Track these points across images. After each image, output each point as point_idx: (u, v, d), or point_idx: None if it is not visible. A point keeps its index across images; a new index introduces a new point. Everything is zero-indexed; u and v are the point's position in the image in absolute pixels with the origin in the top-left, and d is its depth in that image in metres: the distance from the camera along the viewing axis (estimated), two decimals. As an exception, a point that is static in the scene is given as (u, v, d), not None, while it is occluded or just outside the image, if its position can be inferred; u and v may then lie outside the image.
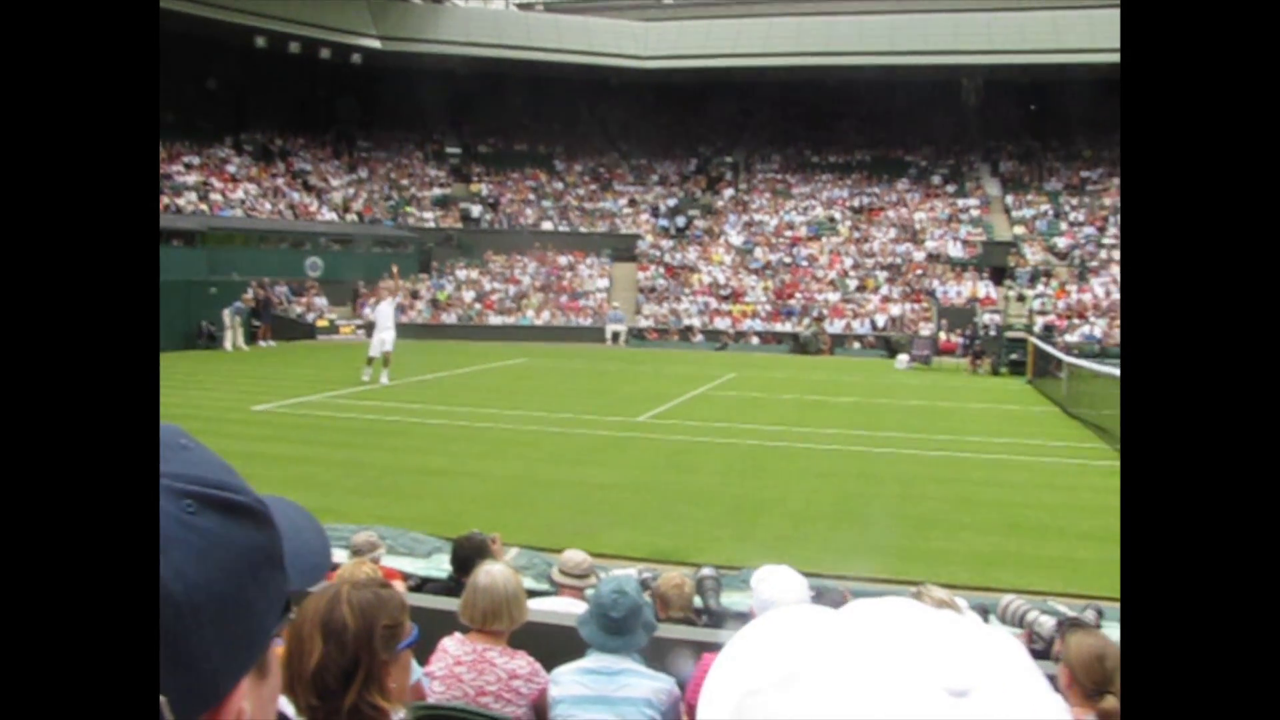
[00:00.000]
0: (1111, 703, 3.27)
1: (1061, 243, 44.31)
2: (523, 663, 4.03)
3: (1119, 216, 45.62)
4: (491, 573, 4.17)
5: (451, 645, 4.06)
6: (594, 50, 47.79)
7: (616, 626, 3.95)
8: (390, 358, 22.62)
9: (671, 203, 49.10)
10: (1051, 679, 3.37)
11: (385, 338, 22.59)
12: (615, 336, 38.84)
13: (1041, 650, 4.90)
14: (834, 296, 41.63)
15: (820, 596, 5.26)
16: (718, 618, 5.95)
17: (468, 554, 5.78)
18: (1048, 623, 5.07)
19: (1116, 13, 44.97)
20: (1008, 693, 0.71)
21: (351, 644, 2.16)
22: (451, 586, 5.92)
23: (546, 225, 47.05)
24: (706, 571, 6.41)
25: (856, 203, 48.52)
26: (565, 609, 5.23)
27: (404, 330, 25.60)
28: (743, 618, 5.29)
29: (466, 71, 47.91)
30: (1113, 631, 4.58)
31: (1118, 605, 6.78)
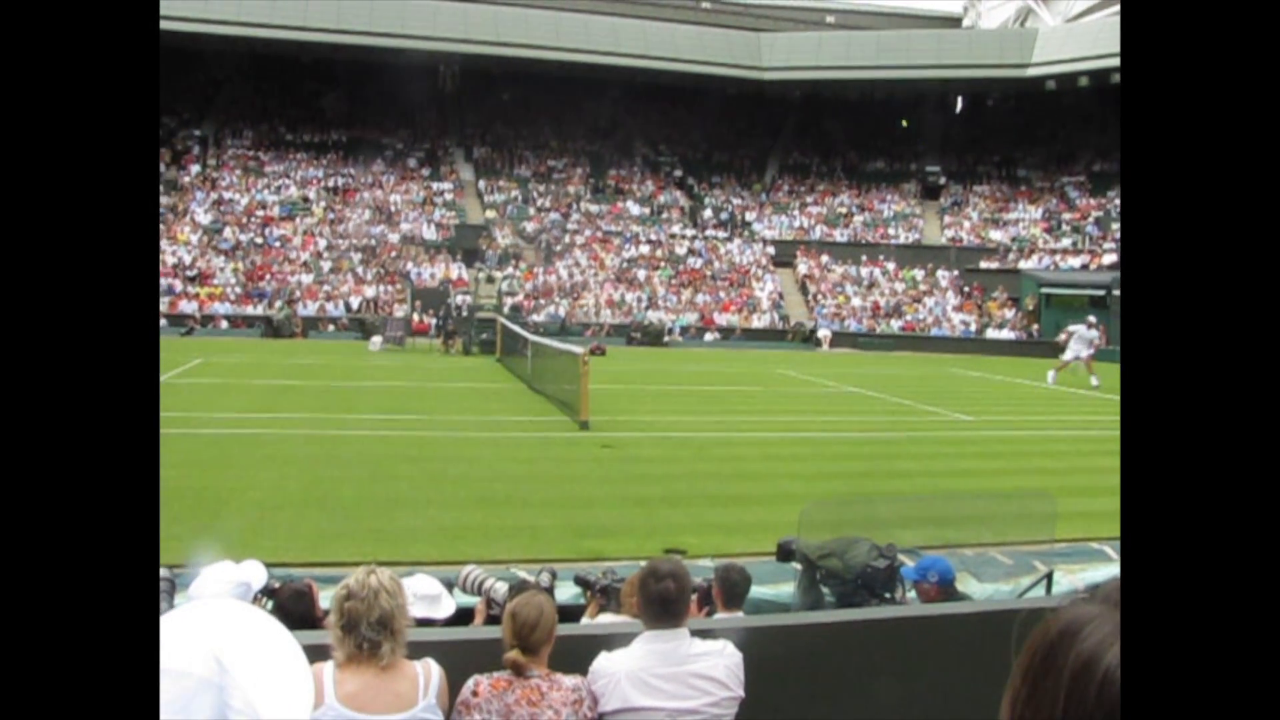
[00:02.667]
0: (514, 656, 3.74)
1: (530, 227, 46.65)
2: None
3: (581, 204, 48.84)
4: None
5: None
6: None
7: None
8: None
9: (129, 175, 45.40)
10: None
11: None
12: (63, 320, 35.37)
13: (498, 615, 5.16)
14: (307, 278, 40.82)
15: (282, 589, 5.18)
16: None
17: None
18: (502, 588, 5.33)
19: (580, 15, 48.07)
20: None
21: None
22: None
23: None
24: (160, 574, 6.07)
25: (332, 183, 47.84)
26: None
27: None
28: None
29: None
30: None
31: (574, 565, 7.30)
